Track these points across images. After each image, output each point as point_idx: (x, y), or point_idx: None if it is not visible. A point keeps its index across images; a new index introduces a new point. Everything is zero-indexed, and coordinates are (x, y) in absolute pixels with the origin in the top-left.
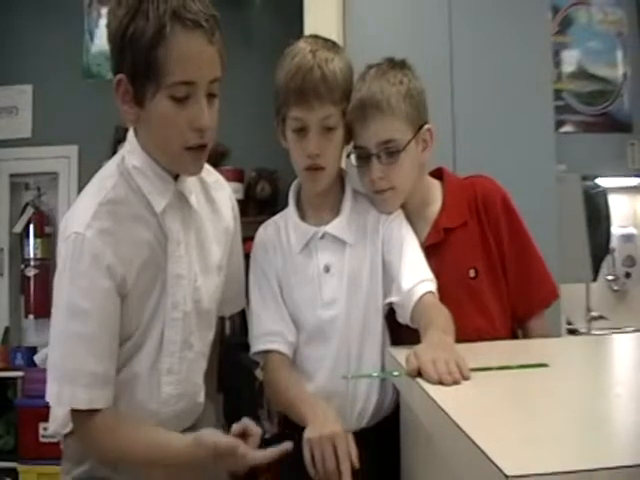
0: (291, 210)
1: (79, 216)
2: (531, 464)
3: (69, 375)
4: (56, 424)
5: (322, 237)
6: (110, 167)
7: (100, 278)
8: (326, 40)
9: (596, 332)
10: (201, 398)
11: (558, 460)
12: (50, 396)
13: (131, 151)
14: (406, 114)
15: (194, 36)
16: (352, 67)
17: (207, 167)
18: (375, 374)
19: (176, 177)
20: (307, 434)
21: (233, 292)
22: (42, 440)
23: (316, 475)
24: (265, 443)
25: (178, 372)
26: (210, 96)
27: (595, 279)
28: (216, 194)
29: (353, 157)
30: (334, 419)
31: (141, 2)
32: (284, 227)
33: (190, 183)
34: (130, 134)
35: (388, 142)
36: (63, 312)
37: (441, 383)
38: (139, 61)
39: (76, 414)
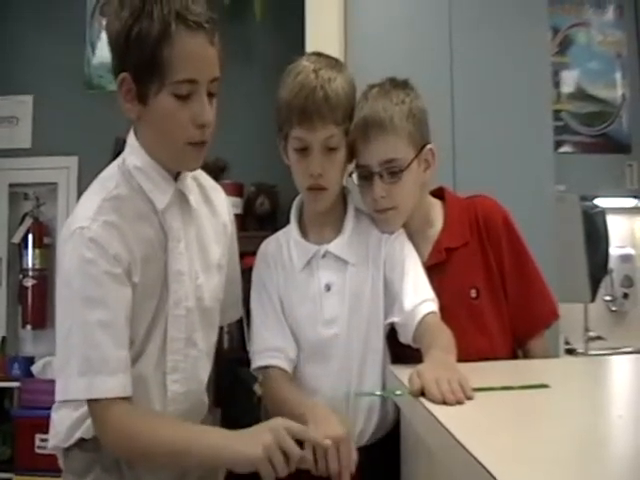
0: (293, 228)
1: (82, 213)
2: None
3: (97, 365)
4: (57, 439)
5: (324, 256)
6: (111, 169)
7: (109, 265)
8: (329, 58)
9: (594, 352)
10: (206, 397)
11: None
12: (77, 392)
13: (131, 152)
14: (408, 133)
15: (197, 37)
16: (355, 85)
17: (203, 173)
18: (378, 393)
19: (176, 177)
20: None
21: (232, 298)
22: (38, 451)
23: (316, 471)
24: None
25: (183, 370)
26: (210, 95)
27: (593, 299)
28: (213, 196)
29: (355, 176)
30: (336, 421)
31: (145, 4)
32: (286, 244)
33: (189, 183)
34: (130, 136)
35: (390, 161)
36: (78, 305)
37: (444, 403)
38: (144, 59)
39: (101, 405)
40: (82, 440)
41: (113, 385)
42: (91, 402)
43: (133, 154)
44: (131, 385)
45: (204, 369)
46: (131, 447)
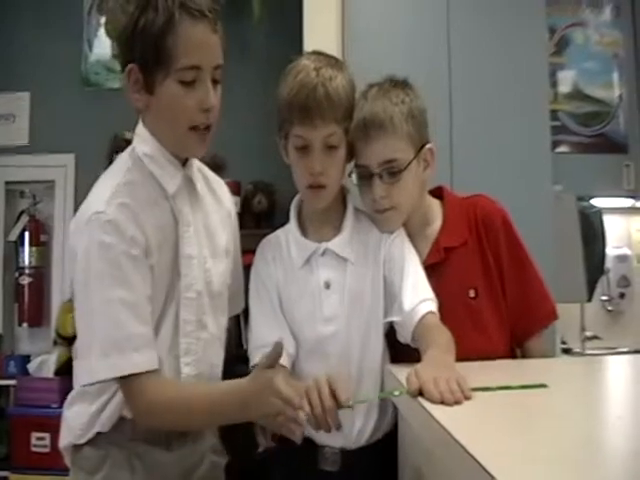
0: (292, 226)
1: (98, 198)
2: None
3: (122, 343)
4: (72, 436)
5: (323, 253)
6: (122, 157)
7: (127, 247)
8: (329, 57)
9: (590, 352)
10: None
11: None
12: (105, 372)
13: (140, 140)
14: (408, 134)
15: (200, 25)
16: (355, 84)
17: (206, 167)
18: (375, 397)
19: (183, 164)
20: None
21: (236, 286)
22: (34, 449)
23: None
24: (259, 457)
25: (195, 353)
26: (214, 82)
27: (590, 299)
28: (217, 188)
29: (354, 176)
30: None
31: None
32: (285, 242)
33: (195, 172)
34: (139, 126)
35: (390, 162)
36: (99, 288)
37: (443, 402)
38: (150, 49)
39: (132, 380)
40: (97, 435)
41: (139, 360)
42: (122, 380)
43: (142, 142)
44: (157, 359)
45: (216, 353)
46: (165, 415)
